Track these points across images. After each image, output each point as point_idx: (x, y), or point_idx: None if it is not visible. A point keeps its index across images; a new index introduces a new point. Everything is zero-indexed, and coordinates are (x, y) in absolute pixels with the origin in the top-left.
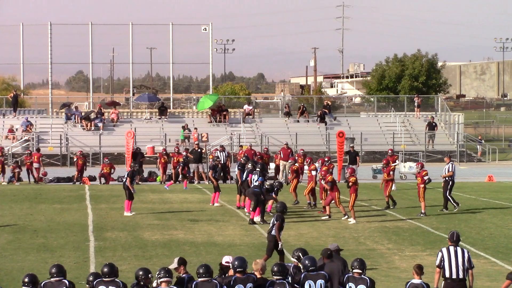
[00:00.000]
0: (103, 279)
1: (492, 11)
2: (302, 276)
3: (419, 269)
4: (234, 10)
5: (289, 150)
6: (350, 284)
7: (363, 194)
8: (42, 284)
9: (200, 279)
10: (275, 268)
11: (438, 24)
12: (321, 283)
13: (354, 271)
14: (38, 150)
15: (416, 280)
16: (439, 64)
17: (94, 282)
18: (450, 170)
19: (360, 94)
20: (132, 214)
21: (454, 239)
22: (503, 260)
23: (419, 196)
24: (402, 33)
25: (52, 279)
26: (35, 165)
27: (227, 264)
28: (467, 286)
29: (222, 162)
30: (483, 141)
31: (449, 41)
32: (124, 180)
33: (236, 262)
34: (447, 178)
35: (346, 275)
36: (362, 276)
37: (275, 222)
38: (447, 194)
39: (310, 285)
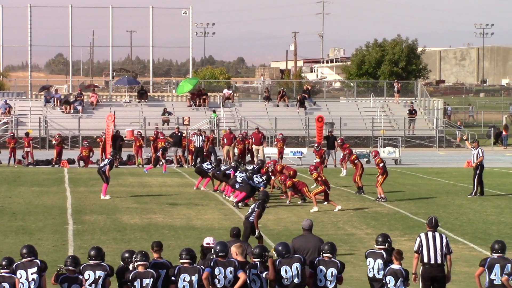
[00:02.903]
0: (90, 262)
1: None
2: (277, 262)
3: (399, 255)
4: None
5: (260, 135)
6: (321, 267)
7: (341, 179)
8: (14, 266)
9: (181, 262)
10: (256, 251)
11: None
12: (297, 267)
13: (324, 254)
14: (27, 134)
15: (395, 266)
16: (419, 49)
17: (81, 267)
18: (480, 155)
19: (340, 79)
20: (109, 197)
21: (433, 224)
22: (481, 245)
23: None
24: (382, 18)
25: (23, 259)
26: (27, 149)
27: (208, 245)
28: (445, 271)
29: (199, 146)
30: (462, 127)
31: (429, 26)
32: (103, 166)
33: (217, 247)
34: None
35: (317, 259)
36: (333, 259)
37: (256, 209)
38: (477, 179)
39: (286, 270)
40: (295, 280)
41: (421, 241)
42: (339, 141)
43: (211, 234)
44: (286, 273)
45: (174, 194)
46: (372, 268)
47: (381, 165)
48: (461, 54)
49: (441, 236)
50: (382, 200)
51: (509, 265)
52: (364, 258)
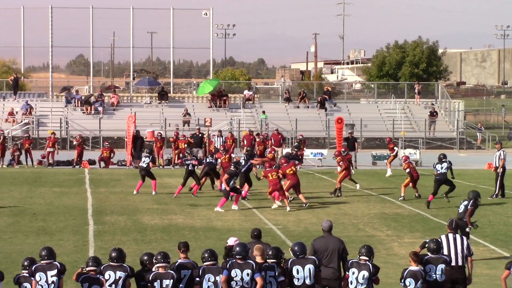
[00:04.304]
0: (111, 263)
1: None
2: (290, 261)
3: (416, 256)
4: None
5: (279, 136)
6: (354, 269)
7: (362, 180)
8: (33, 268)
9: (206, 263)
10: (271, 252)
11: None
12: (309, 268)
13: (361, 257)
14: (53, 134)
15: (414, 267)
16: (440, 51)
17: (101, 267)
18: (502, 157)
19: (361, 81)
20: (155, 193)
21: (453, 226)
22: (502, 247)
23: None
24: (403, 20)
25: (42, 261)
26: (50, 149)
27: (232, 245)
28: (466, 273)
29: (219, 147)
30: (483, 129)
31: (450, 28)
32: (146, 165)
33: (237, 248)
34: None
35: (350, 261)
36: (367, 262)
37: None
38: (499, 181)
39: (298, 270)
40: (307, 281)
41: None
42: (386, 140)
43: (232, 235)
44: (298, 273)
45: (198, 195)
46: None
47: (407, 171)
48: (482, 55)
49: (462, 238)
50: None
51: None
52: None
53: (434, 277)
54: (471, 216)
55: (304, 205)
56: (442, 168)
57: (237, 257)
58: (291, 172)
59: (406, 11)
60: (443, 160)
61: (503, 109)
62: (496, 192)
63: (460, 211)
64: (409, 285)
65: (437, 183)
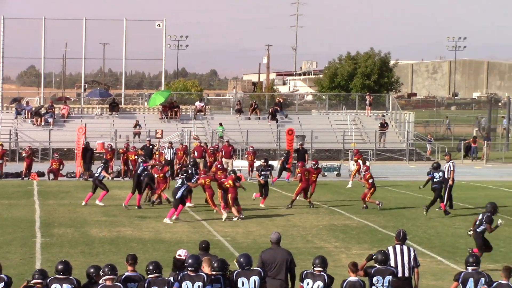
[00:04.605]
0: (57, 276)
1: (445, 10)
2: (235, 273)
3: (354, 267)
4: (188, 7)
5: (230, 148)
6: (308, 280)
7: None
8: None
9: (150, 276)
10: (217, 264)
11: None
12: (255, 280)
13: (315, 268)
14: (1, 145)
15: (353, 278)
16: (392, 62)
17: (48, 280)
18: (452, 169)
19: (312, 92)
20: (103, 205)
21: (401, 237)
22: (449, 259)
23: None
24: (355, 31)
25: None
26: None
27: (180, 257)
28: (413, 285)
29: (169, 159)
30: (432, 140)
31: (402, 39)
32: (98, 174)
33: (189, 260)
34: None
35: (305, 271)
36: (322, 273)
37: None
38: (448, 193)
39: (243, 282)
40: None
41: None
42: (354, 152)
43: (180, 247)
44: (243, 285)
45: (143, 207)
46: (382, 285)
47: (370, 180)
48: (433, 67)
49: (408, 249)
50: (380, 205)
51: (483, 279)
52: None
53: None
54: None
55: (236, 218)
56: (439, 176)
57: (189, 269)
58: (228, 185)
59: (358, 23)
60: (439, 168)
61: (447, 121)
62: (444, 203)
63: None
64: None
65: (438, 191)
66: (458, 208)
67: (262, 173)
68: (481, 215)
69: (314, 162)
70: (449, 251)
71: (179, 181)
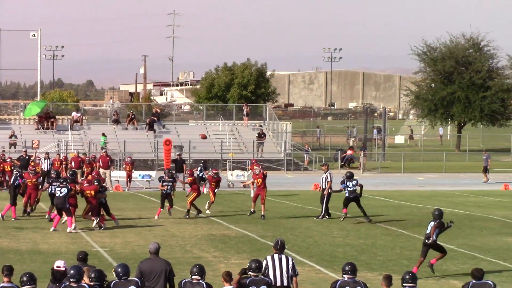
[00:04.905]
0: None
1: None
2: (113, 283)
3: (228, 276)
4: (63, 16)
5: (108, 158)
6: None
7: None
8: None
9: (25, 287)
10: (93, 275)
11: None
12: None
13: (192, 277)
14: None
15: (228, 287)
16: (268, 73)
17: None
18: (329, 179)
19: (190, 102)
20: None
21: (279, 247)
22: (327, 267)
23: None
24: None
25: None
26: None
27: (58, 268)
28: None
29: (46, 170)
30: (309, 150)
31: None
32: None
33: (71, 271)
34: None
35: (183, 281)
36: (200, 281)
37: None
38: (326, 203)
39: None
40: None
41: (267, 264)
42: (252, 161)
43: (58, 258)
44: None
45: (20, 218)
46: None
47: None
48: (309, 78)
49: (287, 258)
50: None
51: (359, 287)
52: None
53: None
54: (438, 233)
55: (100, 227)
56: (353, 185)
57: (71, 280)
58: (90, 195)
59: (235, 33)
60: (353, 178)
61: (318, 130)
62: (323, 213)
63: (427, 231)
64: None
65: (348, 200)
66: (335, 217)
67: (164, 183)
68: (432, 222)
69: (215, 171)
70: (327, 260)
71: (64, 190)
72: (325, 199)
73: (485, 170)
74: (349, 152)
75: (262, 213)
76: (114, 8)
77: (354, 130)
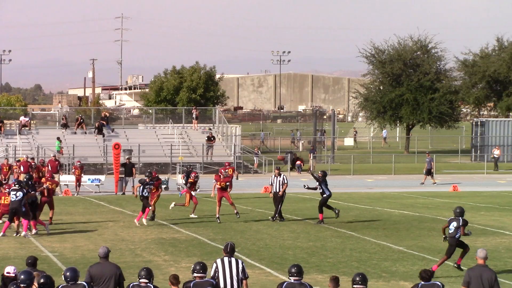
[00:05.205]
0: None
1: (270, 25)
2: None
3: (175, 279)
4: (10, 21)
5: (56, 162)
6: None
7: (140, 206)
8: None
9: None
10: (42, 280)
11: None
12: None
13: (140, 280)
14: None
15: None
16: (217, 76)
17: None
18: (286, 182)
19: (139, 106)
20: None
21: (228, 250)
22: (277, 270)
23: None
24: (180, 46)
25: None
26: None
27: (8, 274)
28: None
29: None
30: (259, 153)
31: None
32: None
33: (21, 276)
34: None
35: (131, 284)
36: (148, 284)
37: None
38: (280, 205)
39: None
40: None
41: (217, 267)
42: (226, 164)
43: (7, 263)
44: None
45: None
46: None
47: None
48: (258, 81)
49: (237, 261)
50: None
51: None
52: None
53: None
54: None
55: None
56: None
57: (21, 285)
58: (5, 202)
59: (183, 37)
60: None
61: (261, 134)
62: (276, 215)
63: (450, 231)
64: None
65: (327, 200)
66: (286, 220)
67: (147, 186)
68: (454, 222)
69: (194, 174)
70: (277, 263)
71: (19, 194)
72: (280, 201)
73: (428, 173)
74: (298, 162)
75: (235, 211)
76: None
77: (298, 133)
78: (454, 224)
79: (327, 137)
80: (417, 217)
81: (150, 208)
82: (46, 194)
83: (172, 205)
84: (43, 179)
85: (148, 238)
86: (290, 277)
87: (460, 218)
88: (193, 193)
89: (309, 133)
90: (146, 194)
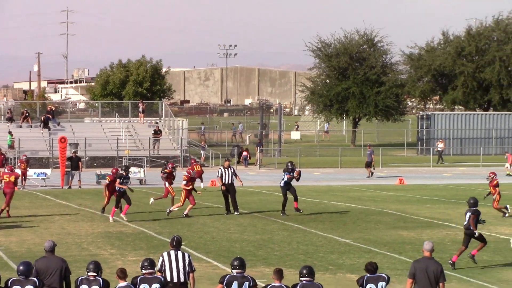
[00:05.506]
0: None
1: (217, 18)
2: (10, 281)
3: (122, 273)
4: None
5: (2, 156)
6: (84, 286)
7: (86, 200)
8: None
9: None
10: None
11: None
12: None
13: (88, 273)
14: None
15: (122, 283)
16: (164, 70)
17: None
18: (235, 173)
19: (85, 100)
20: None
21: (175, 243)
22: (224, 263)
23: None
24: (127, 39)
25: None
26: None
27: None
28: None
29: None
30: (206, 146)
31: (174, 47)
32: None
33: None
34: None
35: (80, 278)
36: (97, 277)
37: None
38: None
39: None
40: None
41: (163, 260)
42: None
43: None
44: None
45: None
46: None
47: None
48: (205, 74)
49: (183, 255)
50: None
51: (247, 282)
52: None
53: None
54: (476, 222)
55: None
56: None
57: None
58: None
59: (129, 30)
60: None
61: (202, 127)
62: (236, 207)
63: (465, 222)
64: None
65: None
66: (234, 213)
67: (125, 181)
68: (469, 213)
69: (171, 165)
70: (224, 256)
71: None
72: (234, 193)
73: (369, 165)
74: (244, 153)
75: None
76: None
77: (240, 126)
78: (468, 214)
79: (271, 130)
80: (363, 210)
81: (130, 205)
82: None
83: (152, 200)
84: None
85: (95, 232)
86: (232, 270)
87: (475, 209)
88: (166, 184)
89: (253, 127)
90: (122, 190)
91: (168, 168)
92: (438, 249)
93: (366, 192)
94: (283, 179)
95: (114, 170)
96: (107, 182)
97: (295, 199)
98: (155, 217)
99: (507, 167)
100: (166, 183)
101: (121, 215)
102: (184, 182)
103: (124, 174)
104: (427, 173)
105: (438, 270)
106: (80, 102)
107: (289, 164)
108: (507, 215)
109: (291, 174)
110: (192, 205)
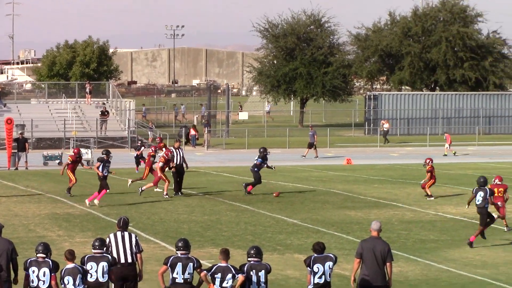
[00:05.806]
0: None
1: None
2: None
3: (70, 255)
4: None
5: None
6: (33, 268)
7: (34, 181)
8: (28, 262)
9: None
10: None
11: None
12: None
13: (38, 255)
14: None
15: (70, 265)
16: (111, 50)
17: None
18: (182, 155)
19: (31, 81)
20: None
21: (121, 224)
22: (172, 244)
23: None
24: (73, 20)
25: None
26: None
27: None
28: (137, 270)
29: None
30: (153, 127)
31: (121, 27)
32: None
33: None
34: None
35: (29, 260)
36: (46, 259)
37: None
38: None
39: None
40: None
41: (110, 241)
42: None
43: None
44: None
45: None
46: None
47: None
48: (152, 55)
49: (130, 235)
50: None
51: (191, 264)
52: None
53: (96, 276)
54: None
55: None
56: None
57: None
58: None
59: (76, 11)
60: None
61: (143, 108)
62: (180, 188)
63: (478, 202)
64: (67, 283)
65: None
66: (187, 194)
67: (107, 165)
68: (481, 191)
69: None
70: (172, 237)
71: None
72: (182, 176)
73: (311, 146)
74: (192, 132)
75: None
76: None
77: (182, 107)
78: (481, 194)
79: (219, 111)
80: (311, 190)
81: (108, 190)
82: None
83: (130, 182)
84: None
85: (42, 213)
86: (177, 252)
87: (486, 188)
88: (159, 172)
89: (195, 108)
90: (106, 173)
91: (166, 155)
92: (386, 229)
93: (313, 173)
94: (255, 164)
95: (75, 150)
96: (68, 162)
97: (254, 184)
98: (103, 198)
99: (446, 148)
100: (159, 171)
101: (96, 200)
102: (161, 164)
103: (105, 158)
104: (374, 153)
105: (385, 250)
106: (26, 83)
107: (262, 149)
108: (432, 199)
109: (263, 163)
110: (153, 185)
